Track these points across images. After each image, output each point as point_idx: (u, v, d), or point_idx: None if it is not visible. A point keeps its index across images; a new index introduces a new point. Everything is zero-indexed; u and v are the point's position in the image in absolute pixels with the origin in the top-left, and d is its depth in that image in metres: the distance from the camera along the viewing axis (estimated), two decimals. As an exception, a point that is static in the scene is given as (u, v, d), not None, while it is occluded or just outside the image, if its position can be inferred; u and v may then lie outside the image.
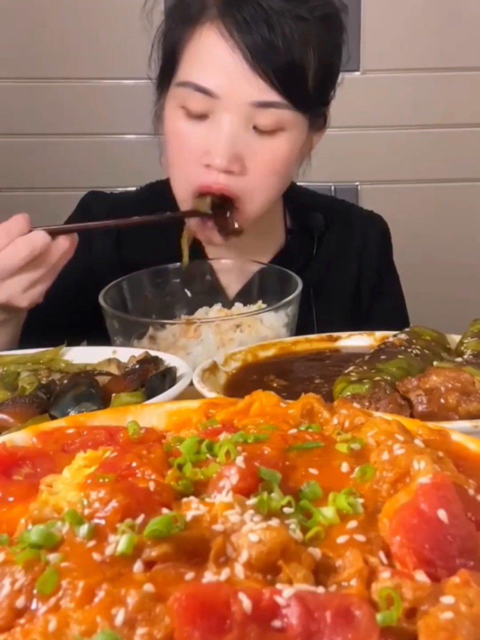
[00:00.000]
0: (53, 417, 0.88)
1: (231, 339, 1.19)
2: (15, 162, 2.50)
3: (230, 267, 1.45)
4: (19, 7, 2.41)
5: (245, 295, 1.41)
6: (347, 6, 1.36)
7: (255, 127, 1.27)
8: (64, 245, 1.19)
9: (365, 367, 0.97)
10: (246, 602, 0.40)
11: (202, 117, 1.28)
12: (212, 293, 1.43)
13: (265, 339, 1.20)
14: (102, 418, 0.73)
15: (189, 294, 1.41)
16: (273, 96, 1.24)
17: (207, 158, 1.28)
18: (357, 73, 2.49)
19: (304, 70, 1.26)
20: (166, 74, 1.34)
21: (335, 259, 1.56)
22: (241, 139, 1.27)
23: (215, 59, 1.25)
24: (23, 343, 1.27)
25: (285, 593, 0.41)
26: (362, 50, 2.46)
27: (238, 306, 1.35)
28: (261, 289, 1.40)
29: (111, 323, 1.24)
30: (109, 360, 1.07)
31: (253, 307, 1.33)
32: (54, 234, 1.18)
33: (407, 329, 1.13)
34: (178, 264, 1.40)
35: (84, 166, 2.49)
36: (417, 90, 2.49)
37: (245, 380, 1.05)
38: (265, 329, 1.22)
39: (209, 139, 1.28)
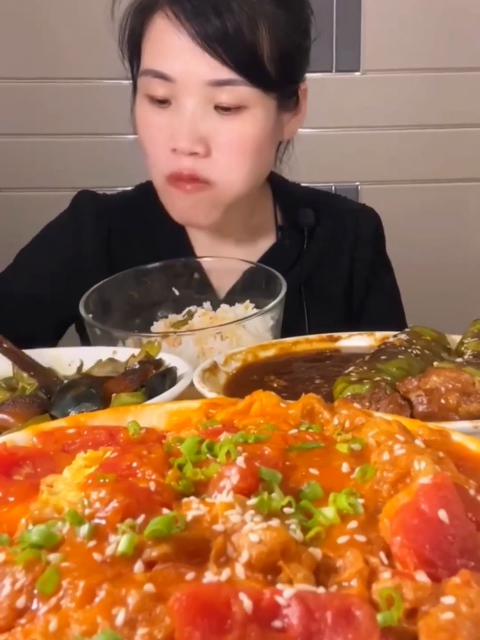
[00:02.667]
0: (53, 417, 0.88)
1: (211, 348, 1.18)
2: (15, 162, 2.50)
3: (218, 266, 1.45)
4: (19, 7, 2.40)
5: (232, 294, 1.40)
6: None
7: (217, 108, 1.29)
8: None
9: (365, 368, 0.97)
10: (247, 602, 0.40)
11: (165, 103, 1.31)
12: (201, 291, 1.42)
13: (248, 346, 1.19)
14: (102, 418, 0.73)
15: (176, 292, 1.40)
16: (227, 74, 1.27)
17: (172, 142, 1.31)
18: (357, 73, 2.49)
19: (256, 46, 1.28)
20: (135, 71, 1.37)
21: (326, 254, 1.55)
22: (203, 120, 1.30)
23: (167, 44, 1.28)
24: (19, 345, 1.27)
25: (285, 593, 0.41)
26: (362, 50, 2.46)
27: (224, 308, 1.33)
28: (247, 288, 1.39)
29: (92, 331, 1.24)
30: (109, 360, 1.07)
31: (240, 306, 1.32)
32: None
33: (407, 329, 1.13)
34: (163, 262, 1.40)
35: (84, 166, 2.49)
36: (417, 90, 2.49)
37: (245, 381, 1.05)
38: (248, 336, 1.20)
39: (173, 123, 1.31)
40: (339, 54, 2.44)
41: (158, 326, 1.31)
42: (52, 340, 1.45)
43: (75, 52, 2.42)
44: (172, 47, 1.28)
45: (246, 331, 1.21)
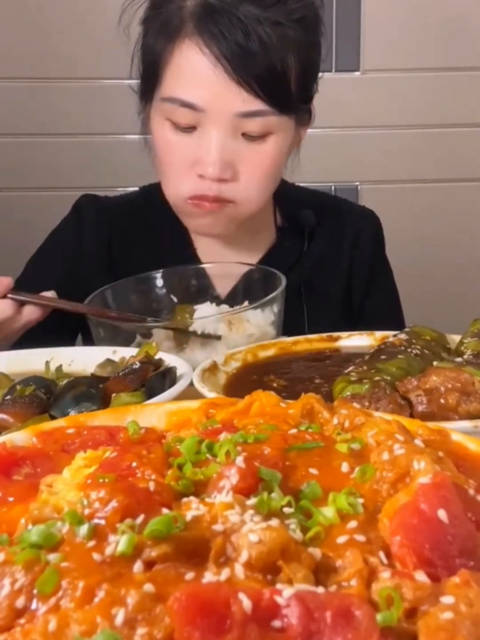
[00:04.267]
0: (53, 417, 0.88)
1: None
2: (15, 162, 2.50)
3: (218, 271, 1.46)
4: (19, 7, 2.41)
5: (232, 298, 1.41)
6: (323, 1, 1.37)
7: (243, 134, 1.29)
8: (32, 314, 1.22)
9: (365, 367, 0.97)
10: (246, 602, 0.40)
11: (189, 129, 1.30)
12: (200, 297, 1.42)
13: (251, 336, 1.20)
14: (102, 418, 0.73)
15: (174, 300, 1.41)
16: (258, 105, 1.26)
17: (199, 168, 1.30)
18: (357, 73, 2.49)
19: (286, 75, 1.28)
20: (149, 86, 1.35)
21: (326, 255, 1.56)
22: (231, 147, 1.29)
23: (197, 73, 1.26)
24: (16, 344, 1.28)
25: (285, 593, 0.41)
26: (362, 50, 2.46)
27: (224, 308, 1.34)
28: (247, 290, 1.40)
29: (97, 331, 1.24)
30: (109, 361, 1.07)
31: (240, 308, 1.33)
32: (24, 303, 1.20)
33: (407, 329, 1.13)
34: (163, 270, 1.41)
35: (84, 166, 2.49)
36: (417, 90, 2.49)
37: (245, 380, 1.05)
38: (252, 327, 1.22)
39: (199, 149, 1.29)
40: (338, 54, 2.44)
41: (158, 333, 1.32)
42: (69, 342, 1.47)
43: (75, 52, 2.43)
44: (203, 77, 1.25)
45: (250, 324, 1.22)
